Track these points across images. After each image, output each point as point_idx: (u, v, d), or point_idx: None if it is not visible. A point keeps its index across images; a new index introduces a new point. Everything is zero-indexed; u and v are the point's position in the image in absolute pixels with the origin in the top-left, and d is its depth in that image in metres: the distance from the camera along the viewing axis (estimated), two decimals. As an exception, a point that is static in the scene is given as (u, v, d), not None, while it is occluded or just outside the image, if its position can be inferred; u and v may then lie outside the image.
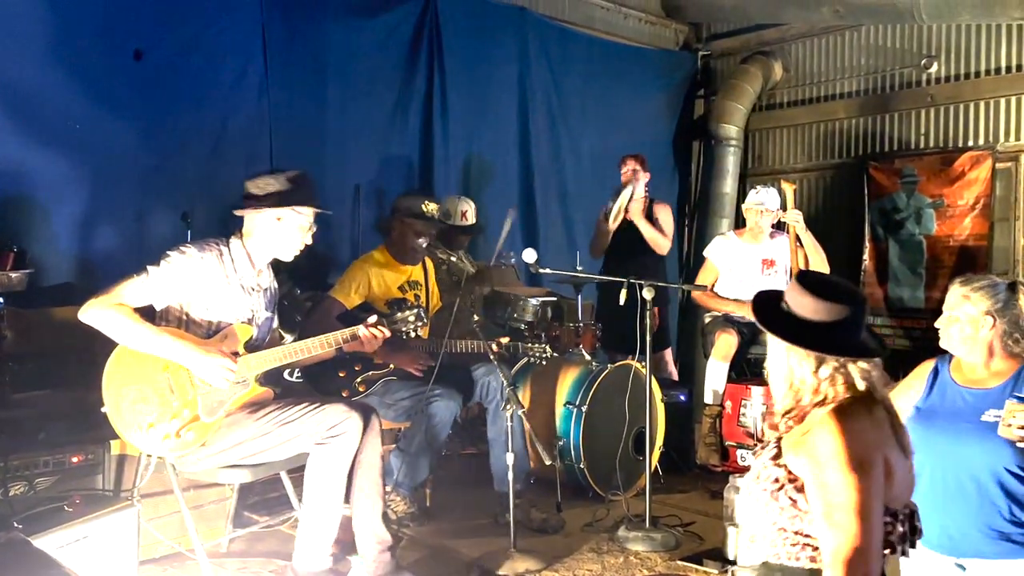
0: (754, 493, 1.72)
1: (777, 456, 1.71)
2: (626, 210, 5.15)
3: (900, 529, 1.59)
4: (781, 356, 1.77)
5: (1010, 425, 2.23)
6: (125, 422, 2.73)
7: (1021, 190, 5.98)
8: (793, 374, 1.75)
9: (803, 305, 1.73)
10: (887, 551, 1.58)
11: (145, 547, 3.01)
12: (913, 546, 1.66)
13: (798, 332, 1.72)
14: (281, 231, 2.93)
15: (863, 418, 1.62)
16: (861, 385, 1.69)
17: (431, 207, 3.88)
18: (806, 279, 1.78)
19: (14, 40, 3.78)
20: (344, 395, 3.56)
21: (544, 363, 3.94)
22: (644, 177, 5.24)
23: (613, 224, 5.18)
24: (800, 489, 1.62)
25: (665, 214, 5.32)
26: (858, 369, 1.71)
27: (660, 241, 5.19)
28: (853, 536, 1.50)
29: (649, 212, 5.26)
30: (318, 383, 3.58)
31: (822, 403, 1.70)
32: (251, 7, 4.60)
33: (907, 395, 2.54)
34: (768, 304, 1.82)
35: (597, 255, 5.40)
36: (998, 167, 6.02)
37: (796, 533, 1.64)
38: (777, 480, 1.67)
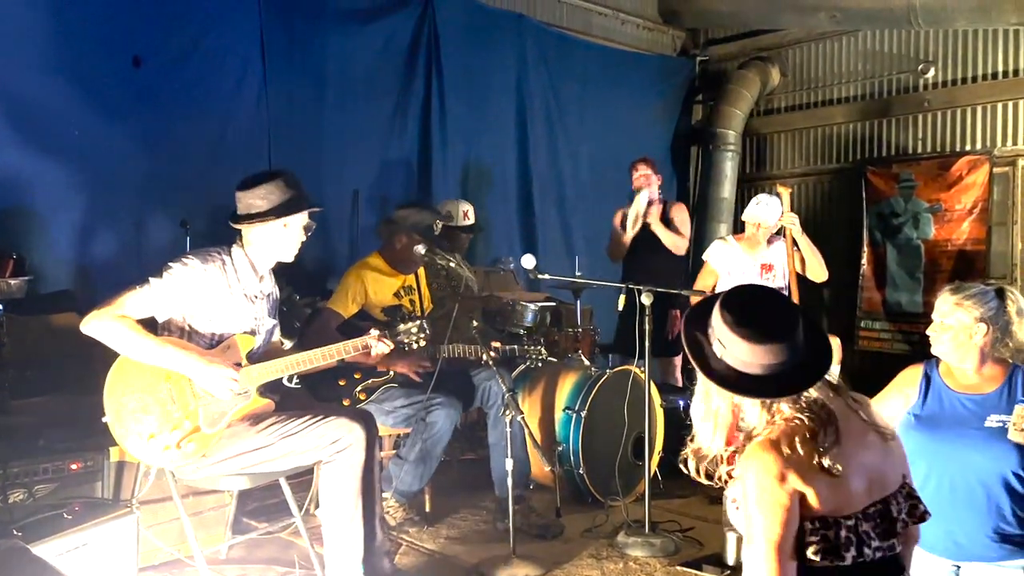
0: (729, 506, 1.81)
1: (732, 477, 1.77)
2: (645, 214, 5.12)
3: (845, 535, 1.62)
4: (707, 388, 1.76)
5: (1022, 430, 2.26)
6: (126, 432, 2.73)
7: (1018, 194, 6.01)
8: (712, 405, 1.76)
9: (735, 348, 1.66)
10: (829, 557, 1.62)
11: (144, 554, 3.01)
12: (892, 537, 1.68)
13: (724, 375, 1.69)
14: (286, 236, 2.93)
15: (783, 452, 1.62)
16: (787, 412, 1.67)
17: (440, 225, 3.89)
18: (735, 312, 1.67)
19: (13, 47, 3.80)
20: (344, 404, 3.55)
21: (540, 364, 3.95)
22: (656, 180, 5.24)
23: (632, 231, 5.15)
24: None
25: (680, 214, 5.32)
26: (789, 399, 1.68)
27: (679, 243, 5.19)
28: (760, 567, 1.60)
29: (664, 214, 5.25)
30: (317, 391, 3.58)
31: (754, 436, 1.70)
32: (249, 13, 4.61)
33: (895, 401, 2.56)
34: (698, 327, 1.76)
35: (616, 260, 5.38)
36: (995, 171, 6.04)
37: None
38: (735, 500, 1.74)
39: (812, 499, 1.60)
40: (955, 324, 2.42)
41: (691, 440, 1.80)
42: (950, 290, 2.48)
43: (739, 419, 1.75)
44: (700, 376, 1.74)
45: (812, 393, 1.68)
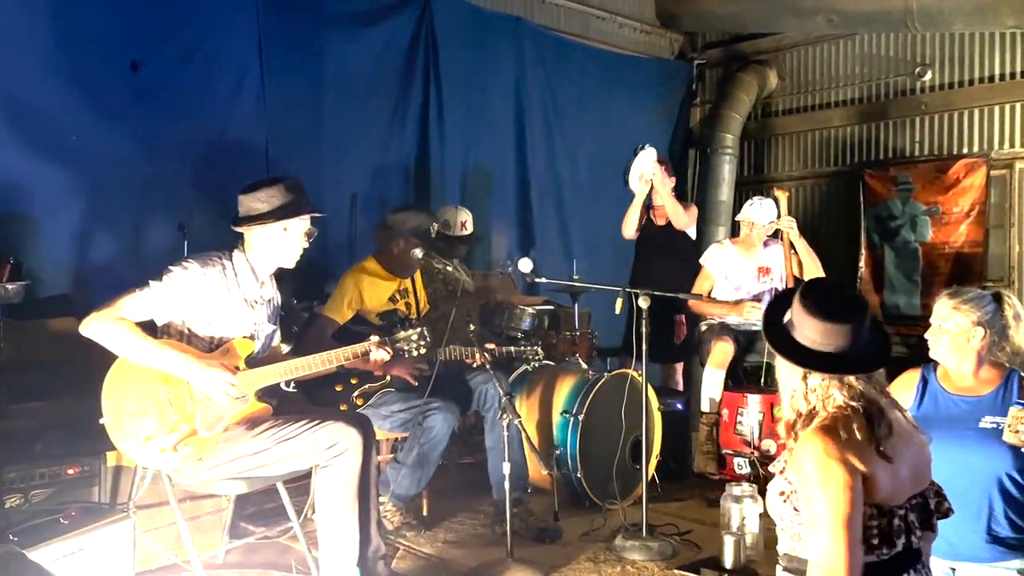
0: (771, 501, 1.90)
1: (784, 470, 1.87)
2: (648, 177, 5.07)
3: (898, 523, 1.71)
4: (781, 365, 1.89)
5: (1017, 432, 2.28)
6: (123, 434, 2.73)
7: (1016, 197, 6.01)
8: (787, 382, 1.87)
9: (806, 326, 1.81)
10: (883, 548, 1.70)
11: (141, 559, 3.00)
12: (930, 529, 1.78)
13: (791, 349, 1.82)
14: (287, 240, 2.93)
15: (841, 436, 1.72)
16: (840, 400, 1.78)
17: (435, 228, 3.89)
18: (811, 296, 1.83)
19: (12, 51, 3.80)
20: (342, 409, 3.54)
21: (537, 365, 3.94)
22: (669, 180, 5.21)
23: (639, 192, 5.14)
24: (799, 499, 1.78)
25: (692, 208, 5.36)
26: (845, 385, 1.79)
27: (680, 214, 5.16)
28: (828, 547, 1.65)
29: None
30: (314, 396, 3.58)
31: (811, 418, 1.81)
32: (248, 17, 4.61)
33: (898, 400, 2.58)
34: (777, 314, 1.90)
35: (628, 234, 5.36)
36: (993, 174, 6.05)
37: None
38: (782, 493, 1.84)
39: (872, 483, 1.68)
40: (953, 328, 2.45)
41: (780, 414, 1.96)
42: (948, 294, 2.51)
43: (792, 402, 1.85)
44: (776, 355, 1.86)
45: (861, 386, 1.78)
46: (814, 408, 1.81)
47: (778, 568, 1.94)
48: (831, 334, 1.78)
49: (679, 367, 5.52)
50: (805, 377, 1.82)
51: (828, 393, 1.79)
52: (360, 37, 5.17)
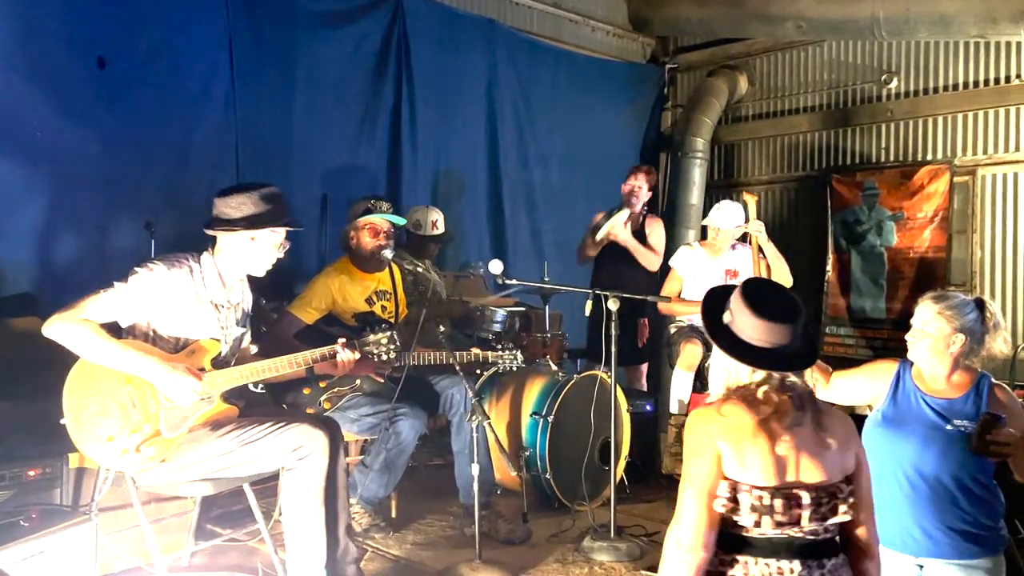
0: None
1: None
2: (611, 234, 5.08)
3: (767, 501, 1.80)
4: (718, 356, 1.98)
5: (985, 440, 2.32)
6: (84, 435, 2.69)
7: (978, 203, 6.13)
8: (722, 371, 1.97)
9: (746, 323, 1.89)
10: (752, 518, 1.81)
11: (104, 562, 2.97)
12: (794, 522, 1.81)
13: (735, 345, 1.91)
14: (254, 250, 2.90)
15: (715, 413, 1.87)
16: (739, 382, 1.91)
17: (379, 204, 3.87)
18: (753, 295, 1.91)
19: (-27, 46, 3.73)
20: (309, 412, 3.52)
21: (514, 369, 3.94)
22: (645, 196, 5.21)
23: (598, 242, 5.14)
24: None
25: (657, 229, 5.29)
26: (775, 377, 1.89)
27: (651, 259, 5.17)
28: (681, 506, 1.86)
29: (640, 228, 5.24)
30: (282, 398, 3.56)
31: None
32: (218, 16, 4.57)
33: (860, 381, 2.67)
34: (715, 313, 1.98)
35: (581, 262, 5.37)
36: (956, 181, 6.16)
37: None
38: None
39: (730, 461, 1.82)
40: (934, 332, 2.48)
41: (708, 396, 2.02)
42: (932, 298, 2.53)
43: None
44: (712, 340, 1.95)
45: (792, 379, 1.89)
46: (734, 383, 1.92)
47: None
48: (772, 332, 1.86)
49: (643, 369, 5.56)
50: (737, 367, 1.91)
51: (756, 381, 1.88)
52: (332, 37, 5.15)
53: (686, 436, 1.91)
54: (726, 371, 1.94)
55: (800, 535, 1.83)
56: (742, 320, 1.89)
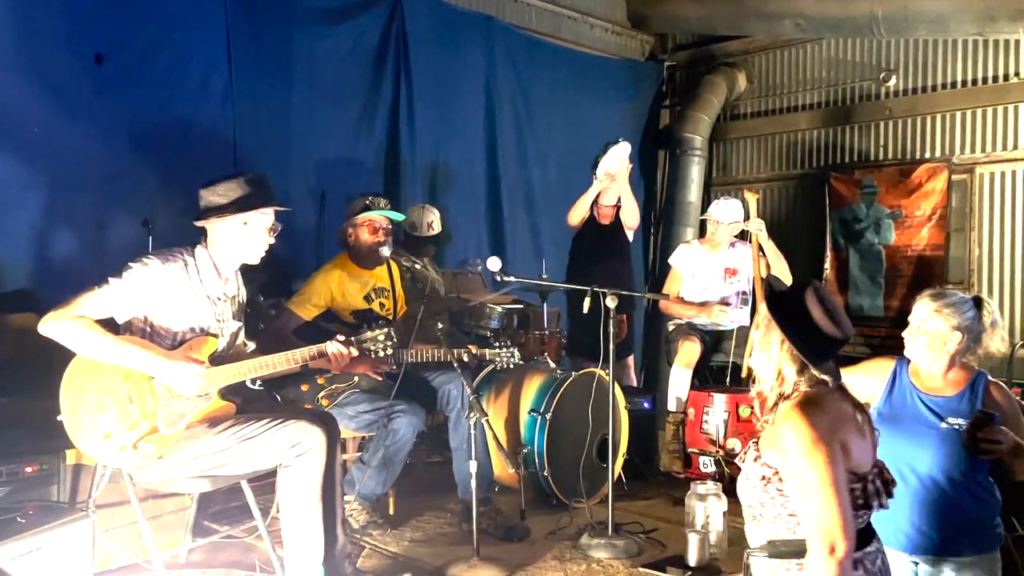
0: (748, 491, 1.98)
1: (757, 457, 1.96)
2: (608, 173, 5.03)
3: (871, 487, 1.88)
4: (775, 354, 1.99)
5: (978, 439, 2.32)
6: (81, 431, 2.68)
7: (976, 201, 6.13)
8: (772, 364, 1.99)
9: (821, 321, 1.95)
10: (864, 509, 1.88)
11: (101, 558, 2.97)
12: (890, 495, 1.95)
13: (810, 342, 1.94)
14: (247, 235, 2.89)
15: (819, 407, 1.88)
16: (814, 379, 1.95)
17: (377, 200, 3.86)
18: (822, 298, 1.97)
19: (-30, 42, 3.72)
20: (306, 408, 3.52)
21: (511, 367, 3.94)
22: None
23: (597, 186, 5.10)
24: (782, 480, 1.89)
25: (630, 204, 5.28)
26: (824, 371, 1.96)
27: (635, 213, 5.16)
28: (823, 508, 1.77)
29: (617, 208, 5.21)
30: (280, 394, 3.55)
31: (786, 398, 1.96)
32: (216, 12, 4.56)
33: (862, 381, 2.66)
34: (787, 308, 2.00)
35: (574, 222, 5.26)
36: (954, 179, 6.17)
37: (791, 516, 1.90)
38: (764, 478, 1.92)
39: (849, 450, 1.83)
40: (932, 330, 2.48)
41: (754, 384, 2.05)
42: (931, 296, 2.52)
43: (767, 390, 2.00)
44: (774, 336, 1.97)
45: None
46: (790, 388, 1.95)
47: (751, 560, 1.97)
48: (834, 345, 1.95)
49: (630, 363, 5.55)
50: (793, 360, 1.95)
51: (812, 378, 1.94)
52: (330, 33, 5.14)
53: (796, 435, 1.83)
54: (794, 367, 1.95)
55: (869, 516, 1.91)
56: (814, 329, 1.94)
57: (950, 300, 2.49)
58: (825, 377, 1.93)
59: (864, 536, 1.88)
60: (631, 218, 5.18)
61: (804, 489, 1.81)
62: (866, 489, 1.87)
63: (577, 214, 5.24)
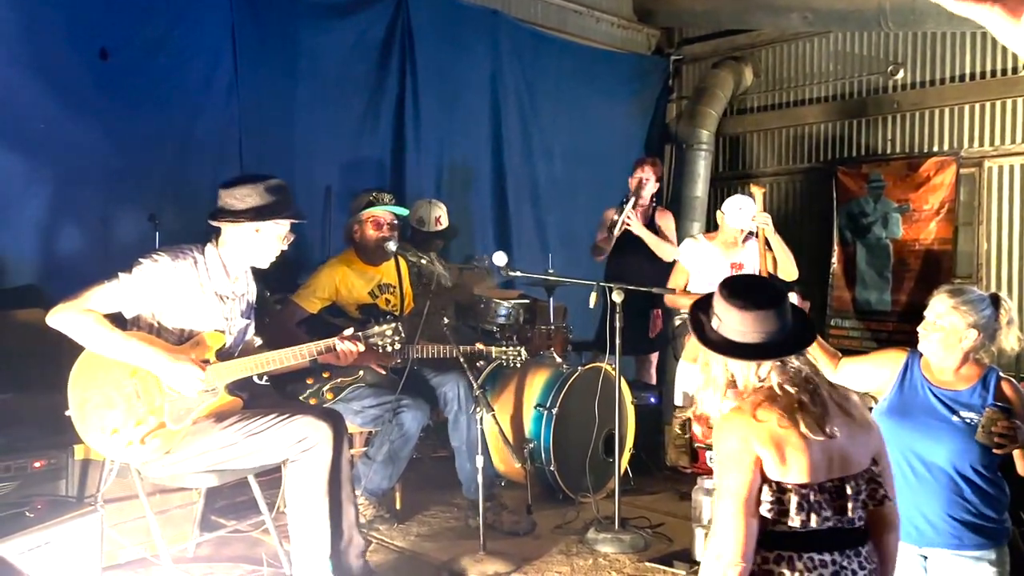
0: None
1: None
2: (625, 222, 5.07)
3: (804, 502, 1.78)
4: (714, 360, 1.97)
5: (990, 433, 2.32)
6: (88, 426, 2.69)
7: (984, 195, 6.09)
8: (716, 377, 1.95)
9: (732, 320, 1.89)
10: (800, 518, 1.78)
11: (109, 553, 2.98)
12: (842, 513, 1.81)
13: (726, 345, 1.90)
14: (259, 242, 2.89)
15: (748, 417, 1.82)
16: (774, 382, 1.87)
17: (381, 196, 3.86)
18: (731, 290, 1.93)
19: (-25, 38, 3.72)
20: (312, 403, 3.52)
21: (518, 365, 3.94)
22: (652, 187, 5.22)
23: (611, 240, 5.11)
24: None
25: (667, 221, 5.31)
26: (786, 368, 1.87)
27: (665, 248, 5.15)
28: (722, 517, 1.79)
29: (651, 220, 5.24)
30: (286, 389, 3.56)
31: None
32: (220, 7, 4.55)
33: (868, 368, 2.67)
34: (701, 323, 1.98)
35: (598, 258, 5.36)
36: (962, 172, 6.13)
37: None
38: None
39: (771, 464, 1.79)
40: (947, 326, 2.47)
41: (695, 410, 2.00)
42: (948, 292, 2.51)
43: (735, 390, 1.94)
44: (700, 347, 1.97)
45: (798, 365, 1.88)
46: (745, 392, 1.90)
47: None
48: (760, 321, 1.86)
49: (653, 360, 5.55)
50: (729, 372, 1.91)
51: (763, 376, 1.88)
52: (335, 28, 5.13)
53: (718, 445, 1.85)
54: (728, 376, 1.92)
55: (840, 525, 1.82)
56: (730, 319, 1.89)
57: (968, 297, 2.47)
58: (786, 363, 1.86)
59: (809, 544, 1.80)
60: (662, 255, 5.13)
61: (718, 493, 1.83)
62: (788, 502, 1.79)
63: (597, 254, 5.29)
